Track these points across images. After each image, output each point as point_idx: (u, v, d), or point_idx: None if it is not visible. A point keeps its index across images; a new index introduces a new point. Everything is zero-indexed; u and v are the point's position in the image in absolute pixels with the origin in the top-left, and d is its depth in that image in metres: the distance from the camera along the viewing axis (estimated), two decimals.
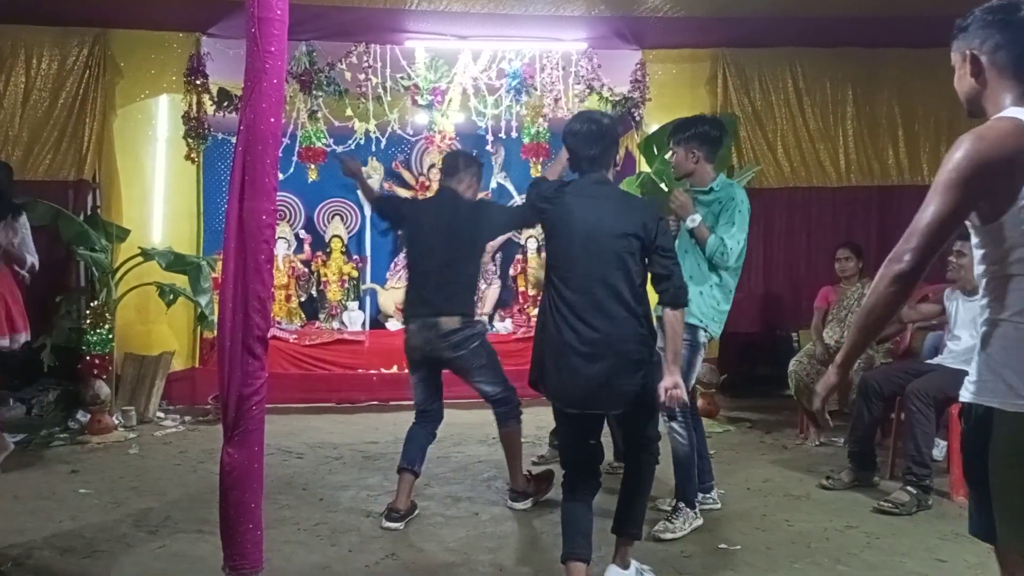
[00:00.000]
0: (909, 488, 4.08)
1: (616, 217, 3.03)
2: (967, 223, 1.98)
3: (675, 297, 3.07)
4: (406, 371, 7.23)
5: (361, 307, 8.67)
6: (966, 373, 2.09)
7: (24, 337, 4.82)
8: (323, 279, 8.73)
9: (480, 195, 8.82)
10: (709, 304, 3.79)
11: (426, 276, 4.04)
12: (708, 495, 4.03)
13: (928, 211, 1.91)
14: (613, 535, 3.19)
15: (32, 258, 4.78)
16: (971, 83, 2.06)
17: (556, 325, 3.01)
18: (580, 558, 2.97)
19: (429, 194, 8.93)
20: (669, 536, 3.67)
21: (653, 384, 3.04)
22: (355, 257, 8.90)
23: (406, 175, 9.06)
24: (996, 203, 1.91)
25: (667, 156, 4.15)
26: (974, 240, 2.01)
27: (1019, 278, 1.93)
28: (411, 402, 6.86)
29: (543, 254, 4.51)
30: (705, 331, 3.80)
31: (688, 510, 3.78)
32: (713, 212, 3.80)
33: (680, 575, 3.28)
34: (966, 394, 2.00)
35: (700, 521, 3.79)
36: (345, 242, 8.87)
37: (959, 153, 1.91)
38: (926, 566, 3.36)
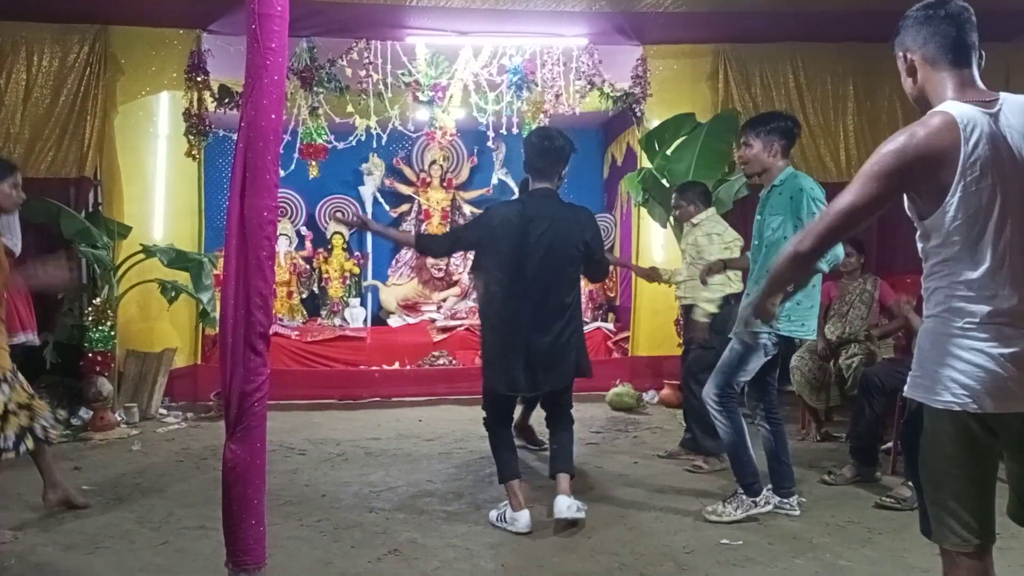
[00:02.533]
0: (911, 484, 4.08)
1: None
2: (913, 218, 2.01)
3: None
4: (408, 367, 7.34)
5: (363, 304, 8.68)
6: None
7: (25, 336, 4.80)
8: (325, 276, 8.74)
9: (480, 192, 8.88)
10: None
11: None
12: (786, 500, 3.95)
13: (844, 198, 1.96)
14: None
15: (8, 242, 4.56)
16: (910, 83, 2.09)
17: None
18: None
19: (430, 191, 8.96)
20: (714, 519, 3.76)
21: None
22: (356, 254, 8.91)
23: (407, 171, 9.06)
24: (926, 200, 1.93)
25: (737, 153, 4.11)
26: (917, 235, 2.03)
27: (941, 275, 1.96)
28: (413, 398, 6.93)
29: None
30: (770, 334, 3.73)
31: (745, 497, 3.81)
32: (781, 206, 3.77)
33: (682, 569, 3.28)
34: (906, 388, 2.06)
35: (764, 509, 3.83)
36: (346, 239, 8.87)
37: (888, 147, 1.92)
38: (928, 562, 3.35)
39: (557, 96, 7.01)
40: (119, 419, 5.83)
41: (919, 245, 2.02)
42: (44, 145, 6.35)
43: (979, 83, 1.99)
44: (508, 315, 3.77)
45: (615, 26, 6.70)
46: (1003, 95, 1.95)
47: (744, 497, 3.83)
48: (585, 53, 6.95)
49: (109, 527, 3.73)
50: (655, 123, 6.54)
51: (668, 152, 6.10)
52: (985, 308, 1.90)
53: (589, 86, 7.00)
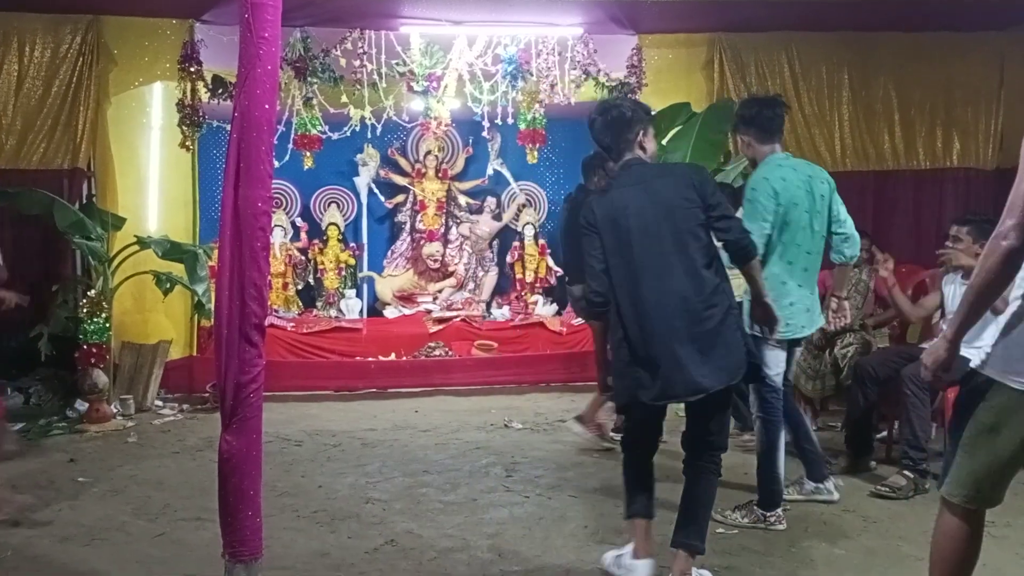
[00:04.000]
0: (906, 472, 4.09)
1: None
2: None
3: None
4: (404, 359, 7.33)
5: (358, 295, 8.65)
6: (963, 358, 2.13)
7: None
8: (320, 267, 8.71)
9: (476, 183, 8.86)
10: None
11: None
12: (821, 485, 3.93)
13: (1023, 185, 1.98)
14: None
15: None
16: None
17: None
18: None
19: (425, 182, 8.94)
20: (719, 519, 3.62)
21: None
22: (352, 245, 8.87)
23: (402, 162, 9.02)
24: None
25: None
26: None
27: None
28: (409, 389, 6.93)
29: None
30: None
31: (757, 509, 3.67)
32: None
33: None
34: (979, 361, 2.13)
35: (777, 527, 3.62)
36: (342, 230, 8.84)
37: None
38: (923, 550, 3.34)
39: (552, 86, 6.98)
40: (115, 411, 5.82)
41: None
42: (36, 136, 6.32)
43: None
44: (632, 308, 2.96)
45: (610, 15, 6.68)
46: None
47: (756, 509, 3.69)
48: (580, 42, 6.93)
49: (105, 519, 3.73)
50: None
51: (664, 142, 6.09)
52: None
53: (584, 76, 6.98)
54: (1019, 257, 1.99)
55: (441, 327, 7.78)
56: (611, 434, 4.98)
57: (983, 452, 2.14)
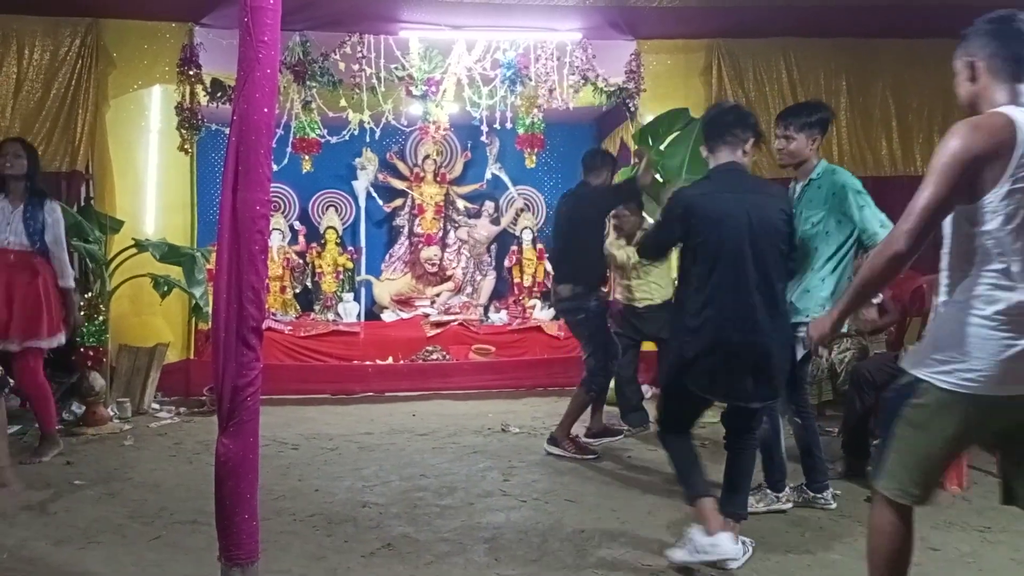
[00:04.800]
0: (848, 458, 4.11)
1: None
2: None
3: None
4: (401, 362, 7.34)
5: (356, 298, 8.67)
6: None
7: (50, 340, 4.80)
8: (318, 270, 8.73)
9: (474, 187, 8.85)
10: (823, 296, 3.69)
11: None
12: (819, 495, 3.93)
13: (924, 194, 2.10)
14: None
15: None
16: (968, 87, 2.27)
17: None
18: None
19: (424, 186, 8.95)
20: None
21: None
22: (350, 248, 8.89)
23: (400, 166, 9.05)
24: (979, 187, 2.08)
25: (775, 145, 3.92)
26: (947, 221, 2.17)
27: (974, 262, 2.12)
28: (406, 393, 6.92)
29: None
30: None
31: (769, 492, 3.84)
32: (820, 201, 3.70)
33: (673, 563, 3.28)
34: (908, 362, 2.26)
35: (785, 506, 3.84)
36: (340, 233, 8.86)
37: (954, 140, 2.10)
38: (919, 555, 3.36)
39: (551, 91, 7.00)
40: (111, 414, 5.81)
41: (949, 229, 2.17)
42: (35, 139, 6.30)
43: None
44: (719, 310, 3.15)
45: (608, 20, 6.69)
46: None
47: (768, 492, 3.85)
48: (579, 48, 6.95)
49: (101, 521, 3.72)
50: (649, 118, 6.52)
51: (662, 147, 6.10)
52: (1010, 299, 2.08)
53: (583, 81, 6.99)
54: (904, 262, 2.12)
55: (439, 331, 7.79)
56: (587, 440, 5.03)
57: (911, 450, 2.22)
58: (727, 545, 3.13)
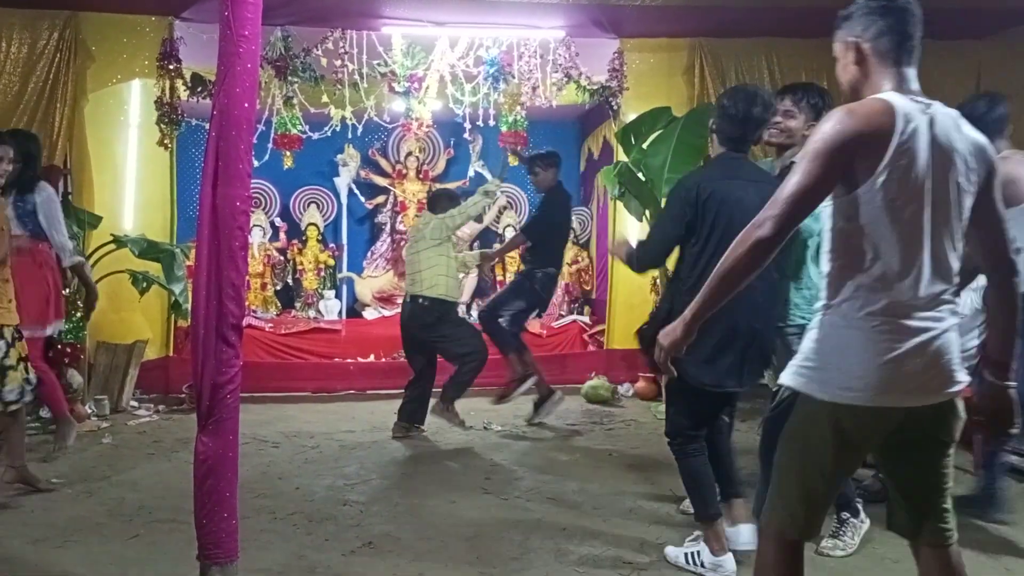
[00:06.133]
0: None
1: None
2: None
3: None
4: (383, 360, 7.31)
5: (338, 296, 8.63)
6: None
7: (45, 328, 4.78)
8: (299, 267, 8.68)
9: (457, 184, 8.83)
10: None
11: None
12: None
13: (793, 180, 1.94)
14: None
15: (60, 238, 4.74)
16: (854, 70, 2.12)
17: None
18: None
19: (406, 183, 8.93)
20: (840, 553, 3.39)
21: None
22: (331, 245, 8.85)
23: (383, 163, 9.01)
24: (853, 177, 1.95)
25: (775, 119, 3.51)
26: (827, 214, 2.03)
27: (845, 264, 1.98)
28: (388, 391, 6.91)
29: None
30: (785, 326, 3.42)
31: (852, 519, 3.49)
32: None
33: (660, 560, 3.29)
34: (786, 376, 2.07)
35: (866, 525, 3.51)
36: (321, 230, 8.82)
37: (828, 125, 1.95)
38: (897, 552, 3.38)
39: (534, 88, 6.99)
40: (89, 411, 5.76)
41: (829, 224, 2.03)
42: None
43: (916, 83, 2.06)
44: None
45: (592, 19, 6.69)
46: (935, 103, 2.02)
47: (852, 520, 3.51)
48: (562, 46, 6.94)
49: (79, 520, 3.69)
50: (631, 117, 6.55)
51: (644, 146, 6.12)
52: (888, 299, 1.94)
53: (566, 79, 6.99)
54: (769, 248, 1.93)
55: None
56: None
57: (795, 473, 2.05)
58: (731, 564, 3.13)
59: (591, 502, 4.04)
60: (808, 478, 2.03)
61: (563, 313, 8.13)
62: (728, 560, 3.12)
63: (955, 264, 2.01)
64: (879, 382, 1.92)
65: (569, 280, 8.50)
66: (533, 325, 7.71)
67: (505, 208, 9.09)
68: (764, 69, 7.11)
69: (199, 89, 6.64)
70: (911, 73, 2.05)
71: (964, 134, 2.02)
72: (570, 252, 8.59)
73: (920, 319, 1.94)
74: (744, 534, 3.23)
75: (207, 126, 2.60)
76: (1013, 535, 3.62)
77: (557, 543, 3.49)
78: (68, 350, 5.70)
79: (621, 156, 6.56)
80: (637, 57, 7.07)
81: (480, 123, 7.17)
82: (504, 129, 7.44)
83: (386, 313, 8.34)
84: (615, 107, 7.07)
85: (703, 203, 3.09)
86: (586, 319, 8.14)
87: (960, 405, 2.05)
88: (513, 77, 6.98)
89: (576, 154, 9.15)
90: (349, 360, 7.27)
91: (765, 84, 7.10)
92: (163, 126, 6.54)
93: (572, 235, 8.66)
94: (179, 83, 6.60)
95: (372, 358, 7.37)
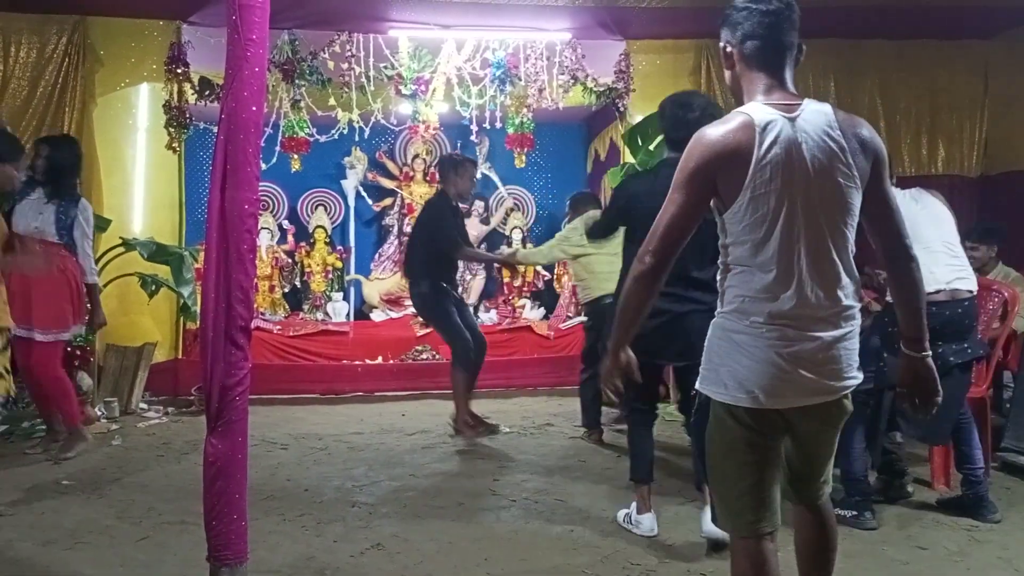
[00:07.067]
0: (881, 476, 4.12)
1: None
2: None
3: None
4: (391, 362, 7.32)
5: (345, 298, 8.65)
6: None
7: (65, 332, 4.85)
8: (307, 270, 8.70)
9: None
10: None
11: None
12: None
13: (665, 214, 2.01)
14: None
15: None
16: (729, 75, 2.13)
17: None
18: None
19: (413, 185, 8.94)
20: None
21: None
22: (339, 248, 8.87)
23: (390, 165, 9.03)
24: (723, 198, 1.99)
25: None
26: (718, 230, 2.07)
27: (733, 274, 2.04)
28: (395, 392, 6.93)
29: None
30: None
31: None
32: None
33: (662, 563, 3.29)
34: (697, 381, 2.14)
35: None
36: (329, 233, 8.84)
37: (690, 150, 1.99)
38: (905, 553, 3.39)
39: (540, 91, 7.00)
40: (99, 414, 5.78)
41: (719, 241, 2.08)
42: (21, 137, 6.22)
43: (789, 85, 2.05)
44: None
45: (598, 21, 6.69)
46: (806, 101, 2.01)
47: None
48: (568, 48, 6.95)
49: (88, 522, 3.70)
50: (638, 118, 6.54)
51: (651, 147, 6.11)
52: (770, 309, 1.98)
53: (572, 81, 6.99)
54: (654, 279, 2.04)
55: (428, 330, 7.76)
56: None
57: (728, 473, 2.11)
58: (648, 523, 3.55)
59: (599, 503, 4.03)
60: (736, 476, 2.09)
61: (570, 315, 8.12)
62: (646, 519, 3.55)
63: (843, 266, 2.02)
64: (769, 387, 1.99)
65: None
66: (540, 327, 7.72)
67: (512, 210, 9.10)
68: None
69: (207, 93, 6.66)
70: (784, 76, 2.05)
71: (840, 129, 2.00)
72: None
73: (807, 328, 1.98)
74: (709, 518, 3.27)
75: (215, 129, 2.61)
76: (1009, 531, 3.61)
77: (565, 544, 3.49)
78: (78, 352, 5.72)
79: (628, 158, 6.56)
80: (643, 59, 7.07)
81: (487, 125, 7.18)
82: (511, 131, 7.45)
83: (393, 315, 8.35)
84: (622, 109, 7.07)
85: (629, 212, 3.39)
86: None
87: (847, 401, 2.12)
88: (520, 79, 6.99)
89: (583, 156, 9.15)
90: (357, 362, 7.28)
91: None
92: (171, 129, 6.57)
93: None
94: (187, 87, 6.62)
95: (380, 360, 7.38)
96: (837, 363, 2.03)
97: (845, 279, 2.02)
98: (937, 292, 3.54)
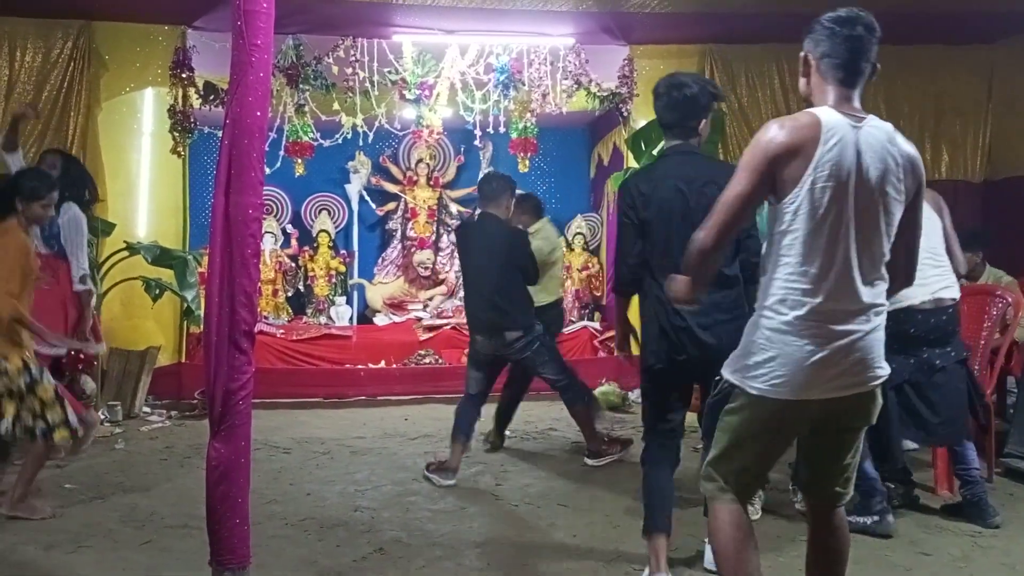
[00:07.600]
0: (888, 483, 4.11)
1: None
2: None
3: None
4: (394, 366, 7.33)
5: (348, 302, 8.65)
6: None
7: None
8: (310, 274, 8.70)
9: (467, 191, 8.84)
10: None
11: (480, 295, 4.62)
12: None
13: (730, 190, 2.15)
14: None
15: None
16: (804, 82, 2.30)
17: None
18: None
19: (417, 189, 8.96)
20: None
21: None
22: (342, 252, 8.87)
23: (394, 170, 9.03)
24: (784, 185, 2.11)
25: None
26: (768, 221, 2.22)
27: (777, 266, 2.15)
28: (398, 397, 6.93)
29: None
30: None
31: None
32: None
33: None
34: (724, 370, 2.29)
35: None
36: (332, 237, 8.84)
37: (759, 137, 2.13)
38: (910, 559, 3.39)
39: (544, 95, 7.01)
40: (102, 417, 5.78)
41: (769, 230, 2.21)
42: (27, 141, 6.27)
43: (856, 102, 2.20)
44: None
45: (602, 26, 6.71)
46: (870, 116, 2.17)
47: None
48: (572, 53, 6.96)
49: (91, 526, 3.70)
50: (641, 123, 6.54)
51: (654, 152, 6.11)
52: (810, 301, 2.10)
53: (576, 86, 7.00)
54: (708, 254, 2.18)
55: (431, 335, 7.78)
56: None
57: (730, 450, 2.27)
58: None
59: (602, 509, 4.03)
60: (745, 458, 2.26)
61: (573, 319, 8.12)
62: None
63: (881, 267, 2.17)
64: (804, 380, 2.12)
65: (579, 286, 8.51)
66: None
67: None
68: (774, 75, 7.11)
69: (212, 97, 6.68)
70: (853, 94, 2.20)
71: (898, 147, 2.18)
72: (580, 258, 8.61)
73: (844, 323, 2.11)
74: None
75: (219, 134, 2.62)
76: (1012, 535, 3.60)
77: (568, 549, 3.49)
78: (82, 356, 5.72)
79: (631, 162, 6.57)
80: (647, 63, 7.07)
81: (490, 130, 7.19)
82: (514, 136, 7.45)
83: (397, 319, 8.35)
84: (625, 113, 7.07)
85: (639, 206, 3.13)
86: (596, 325, 8.13)
87: (879, 393, 2.25)
88: (523, 84, 7.00)
89: (586, 161, 9.15)
90: (360, 366, 7.28)
91: (775, 90, 7.13)
92: (176, 134, 6.58)
93: (583, 240, 8.69)
94: (192, 91, 6.64)
95: (383, 364, 7.38)
96: (869, 354, 2.16)
97: (880, 279, 2.17)
98: (922, 301, 3.66)
